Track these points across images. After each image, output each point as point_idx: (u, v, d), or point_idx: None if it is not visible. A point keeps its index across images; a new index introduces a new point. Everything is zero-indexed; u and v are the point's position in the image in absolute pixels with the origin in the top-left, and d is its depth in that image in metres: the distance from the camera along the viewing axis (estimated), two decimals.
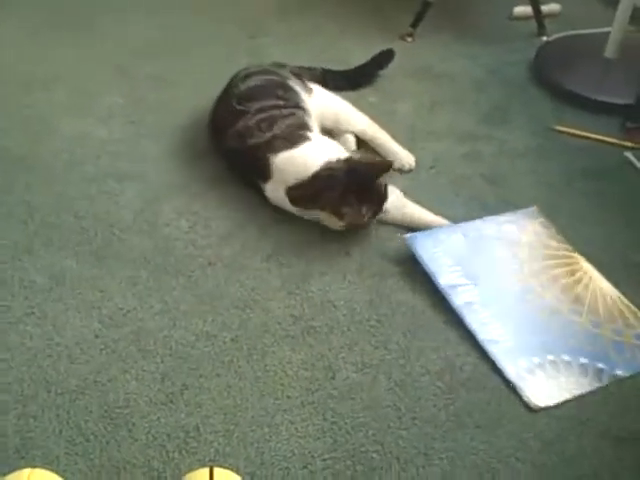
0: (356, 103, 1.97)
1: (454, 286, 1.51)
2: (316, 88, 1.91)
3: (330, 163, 1.59)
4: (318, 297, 1.52)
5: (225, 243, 1.64)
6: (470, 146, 1.96)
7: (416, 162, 1.88)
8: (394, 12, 2.47)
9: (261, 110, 1.73)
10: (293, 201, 1.63)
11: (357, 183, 1.57)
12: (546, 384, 1.37)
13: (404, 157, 1.87)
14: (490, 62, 2.29)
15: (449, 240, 1.61)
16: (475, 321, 1.46)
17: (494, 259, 1.60)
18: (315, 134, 1.74)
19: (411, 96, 2.13)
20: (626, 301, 1.53)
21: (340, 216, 1.59)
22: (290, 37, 2.37)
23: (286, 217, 1.67)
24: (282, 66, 1.95)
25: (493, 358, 1.40)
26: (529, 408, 1.33)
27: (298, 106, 1.79)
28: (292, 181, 1.61)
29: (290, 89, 1.84)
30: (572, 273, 1.58)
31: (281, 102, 1.77)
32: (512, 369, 1.38)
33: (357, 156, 1.64)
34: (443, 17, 2.43)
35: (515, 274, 1.57)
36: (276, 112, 1.73)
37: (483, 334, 1.44)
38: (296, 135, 1.68)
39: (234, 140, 1.73)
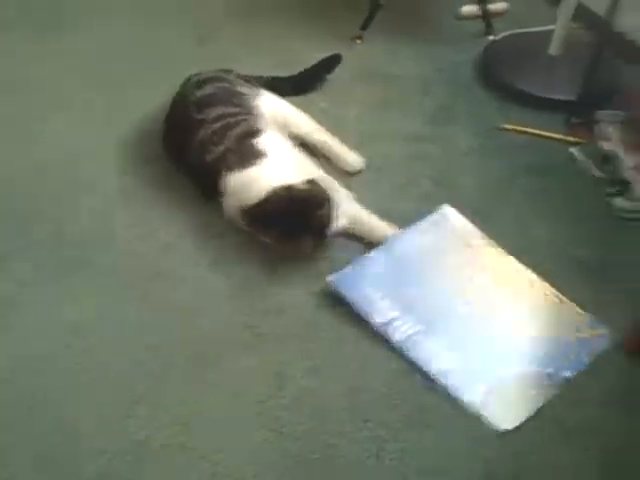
0: (306, 109, 1.99)
1: (389, 322, 1.46)
2: (264, 92, 1.92)
3: (275, 191, 1.59)
4: (265, 304, 1.53)
5: (171, 252, 1.65)
6: (417, 147, 1.98)
7: (365, 164, 1.90)
8: (344, 14, 2.48)
9: (217, 119, 1.74)
10: (245, 222, 1.64)
11: (297, 213, 1.57)
12: (507, 405, 1.35)
13: (352, 159, 1.90)
14: (437, 62, 2.31)
15: (373, 270, 1.56)
16: (420, 354, 1.42)
17: (421, 278, 1.56)
18: (269, 140, 1.74)
19: (360, 99, 2.15)
20: (561, 296, 1.55)
21: (281, 244, 1.60)
22: (240, 42, 2.37)
23: (233, 226, 1.68)
24: (229, 72, 1.96)
25: (449, 389, 1.37)
26: (497, 432, 1.31)
27: (250, 112, 1.81)
28: (243, 202, 1.61)
29: (241, 95, 1.85)
30: (502, 274, 1.59)
31: (235, 109, 1.78)
32: (472, 397, 1.36)
33: (302, 186, 1.60)
34: (392, 19, 2.44)
35: (446, 289, 1.55)
36: (230, 120, 1.74)
37: (432, 365, 1.40)
38: (248, 148, 1.69)
39: (195, 154, 1.73)
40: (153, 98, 1.98)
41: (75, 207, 1.74)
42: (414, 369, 1.41)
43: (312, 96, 2.13)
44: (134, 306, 1.52)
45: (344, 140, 1.95)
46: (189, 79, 1.91)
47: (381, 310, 1.48)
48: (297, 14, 2.51)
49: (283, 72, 2.14)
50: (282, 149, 1.75)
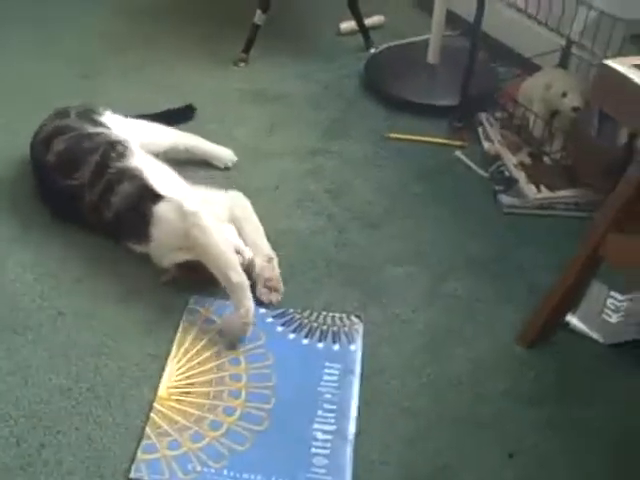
0: (196, 131, 2.01)
1: None
2: (110, 119, 1.86)
3: None
4: (174, 332, 1.52)
5: (74, 290, 1.61)
6: (312, 162, 2.02)
7: (260, 184, 1.92)
8: (226, 38, 2.50)
9: (94, 181, 1.68)
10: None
11: None
12: None
13: (224, 154, 1.96)
14: (324, 78, 2.36)
15: None
16: None
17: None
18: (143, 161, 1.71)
19: (250, 120, 2.17)
20: None
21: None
22: (125, 72, 2.35)
23: (136, 256, 1.66)
24: (65, 114, 1.85)
25: None
26: None
27: (112, 147, 1.72)
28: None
29: (92, 136, 1.76)
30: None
31: (98, 157, 1.70)
32: None
33: None
34: (275, 39, 2.48)
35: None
36: (108, 177, 1.67)
37: None
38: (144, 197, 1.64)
39: (93, 216, 1.69)
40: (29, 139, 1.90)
41: None
42: None
43: (200, 119, 2.13)
44: (33, 350, 1.47)
45: (237, 161, 1.98)
46: (33, 141, 1.82)
47: None
48: (179, 42, 2.51)
49: (169, 100, 2.14)
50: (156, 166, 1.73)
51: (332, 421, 1.36)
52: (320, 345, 1.50)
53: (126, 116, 1.92)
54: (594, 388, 1.46)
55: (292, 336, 1.52)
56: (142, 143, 1.81)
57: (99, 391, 1.40)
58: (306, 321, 1.55)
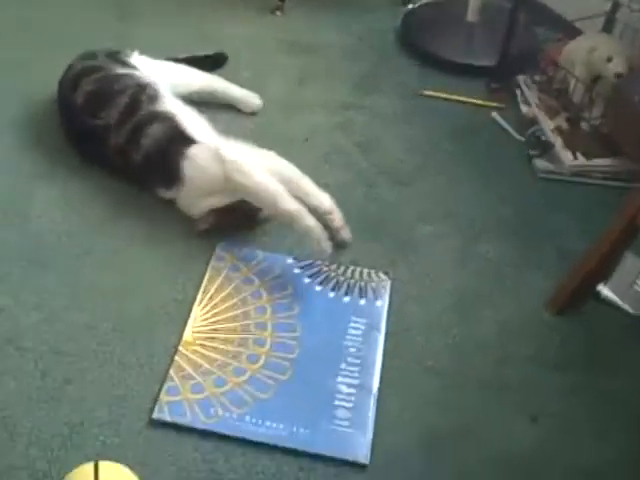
0: (231, 79, 1.98)
1: None
2: (139, 61, 1.83)
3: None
4: (199, 278, 1.50)
5: (100, 230, 1.60)
6: (342, 116, 1.98)
7: (290, 135, 1.89)
8: None
9: (121, 123, 1.64)
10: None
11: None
12: None
13: (250, 99, 1.95)
14: (358, 31, 2.31)
15: None
16: None
17: None
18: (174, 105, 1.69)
19: (283, 70, 2.13)
20: None
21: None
22: (160, 17, 2.30)
23: (163, 203, 1.63)
24: (94, 55, 1.82)
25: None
26: None
27: (141, 88, 1.69)
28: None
29: (122, 77, 1.73)
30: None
31: (129, 100, 1.66)
32: None
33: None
34: None
35: None
36: (137, 119, 1.64)
37: None
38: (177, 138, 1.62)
39: (119, 158, 1.65)
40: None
41: None
42: None
43: (235, 67, 2.09)
44: (58, 287, 1.47)
45: (267, 111, 1.94)
46: (60, 81, 1.79)
47: None
48: None
49: (203, 47, 2.09)
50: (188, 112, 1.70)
51: (356, 375, 1.35)
52: (346, 299, 1.49)
53: (154, 59, 1.89)
54: (620, 359, 1.44)
55: (319, 288, 1.51)
56: (170, 84, 1.78)
57: (123, 331, 1.40)
58: (333, 274, 1.53)
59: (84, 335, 1.38)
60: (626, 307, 1.51)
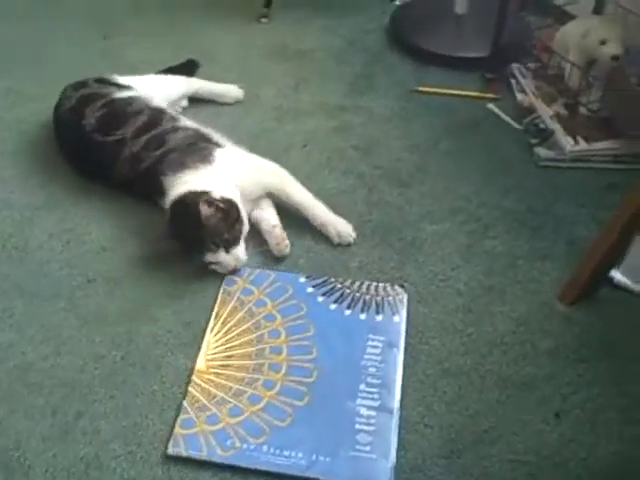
0: None
1: None
2: (127, 80, 1.85)
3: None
4: (207, 301, 1.48)
5: (102, 257, 1.58)
6: (339, 119, 1.95)
7: (288, 142, 1.87)
8: None
9: (138, 134, 1.66)
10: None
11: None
12: None
13: (231, 91, 2.01)
14: (348, 33, 2.28)
15: None
16: None
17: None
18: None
19: (275, 77, 2.11)
20: None
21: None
22: (148, 34, 2.29)
23: (163, 221, 1.60)
24: (84, 84, 1.83)
25: None
26: None
27: (145, 106, 1.75)
28: None
29: (132, 99, 1.76)
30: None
31: (147, 119, 1.70)
32: None
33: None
34: None
35: None
36: (158, 130, 1.68)
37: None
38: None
39: (128, 168, 1.64)
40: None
41: None
42: None
43: (227, 77, 2.06)
44: (64, 318, 1.45)
45: (265, 119, 1.93)
46: (57, 113, 1.79)
47: None
48: (201, 2, 2.45)
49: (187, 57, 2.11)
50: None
51: (376, 396, 1.30)
52: (363, 316, 1.44)
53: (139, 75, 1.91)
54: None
55: (334, 306, 1.46)
56: (163, 94, 1.85)
57: (134, 359, 1.37)
58: (348, 291, 1.49)
59: (93, 365, 1.36)
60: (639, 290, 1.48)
